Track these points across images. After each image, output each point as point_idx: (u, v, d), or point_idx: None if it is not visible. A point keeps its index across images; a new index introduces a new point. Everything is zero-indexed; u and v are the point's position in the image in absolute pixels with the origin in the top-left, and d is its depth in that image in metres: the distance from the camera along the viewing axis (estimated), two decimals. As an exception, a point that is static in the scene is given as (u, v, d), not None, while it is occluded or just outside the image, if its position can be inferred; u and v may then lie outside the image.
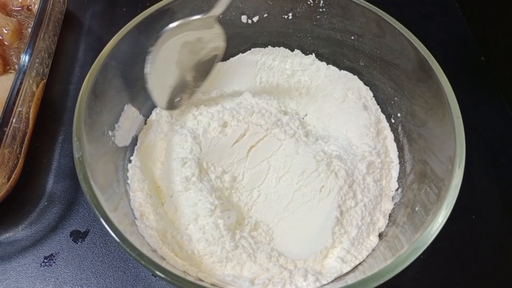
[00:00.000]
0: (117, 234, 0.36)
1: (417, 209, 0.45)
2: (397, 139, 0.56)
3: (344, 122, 0.58)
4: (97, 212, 0.37)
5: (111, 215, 0.37)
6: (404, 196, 0.51)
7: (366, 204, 0.50)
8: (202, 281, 0.41)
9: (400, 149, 0.55)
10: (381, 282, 0.36)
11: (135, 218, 0.47)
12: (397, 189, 0.52)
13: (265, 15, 0.58)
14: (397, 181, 0.53)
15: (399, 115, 0.55)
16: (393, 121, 0.57)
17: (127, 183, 0.50)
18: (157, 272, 0.35)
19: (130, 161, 0.53)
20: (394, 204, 0.51)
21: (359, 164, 0.53)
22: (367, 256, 0.46)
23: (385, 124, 0.58)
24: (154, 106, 0.58)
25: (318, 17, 0.57)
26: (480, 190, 0.58)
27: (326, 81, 0.62)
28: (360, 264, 0.46)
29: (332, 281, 0.43)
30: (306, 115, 0.62)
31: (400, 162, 0.54)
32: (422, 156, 0.49)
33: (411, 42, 0.49)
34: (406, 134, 0.54)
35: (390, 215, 0.50)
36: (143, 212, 0.47)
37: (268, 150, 0.55)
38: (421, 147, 0.50)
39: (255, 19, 0.59)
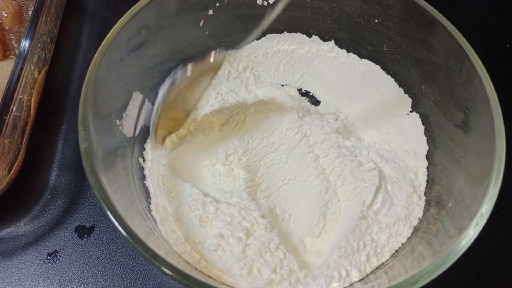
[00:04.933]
0: (129, 232, 0.33)
1: (447, 206, 0.42)
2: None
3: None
4: (105, 208, 0.34)
5: (121, 212, 0.34)
6: (431, 192, 0.48)
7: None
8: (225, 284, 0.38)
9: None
10: None
11: (151, 215, 0.44)
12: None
13: (282, -4, 0.54)
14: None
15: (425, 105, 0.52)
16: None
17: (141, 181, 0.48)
18: (173, 274, 0.32)
19: (142, 154, 0.50)
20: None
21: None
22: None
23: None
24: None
25: (339, -2, 0.53)
26: (509, 184, 0.55)
27: (344, 72, 0.59)
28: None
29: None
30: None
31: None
32: (452, 154, 0.46)
33: (443, 26, 0.45)
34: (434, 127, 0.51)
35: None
36: (165, 208, 0.45)
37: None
38: (450, 144, 0.47)
39: (271, 0, 0.55)
